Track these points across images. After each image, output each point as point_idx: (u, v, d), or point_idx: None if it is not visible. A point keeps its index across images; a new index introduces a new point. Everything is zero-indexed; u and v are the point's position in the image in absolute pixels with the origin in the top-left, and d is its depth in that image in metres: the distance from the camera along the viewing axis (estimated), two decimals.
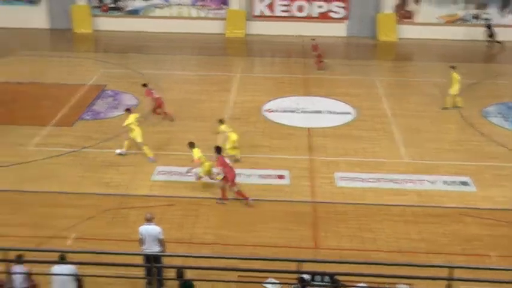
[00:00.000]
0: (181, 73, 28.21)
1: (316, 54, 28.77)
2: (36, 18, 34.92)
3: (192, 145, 17.89)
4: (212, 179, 17.68)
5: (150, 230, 13.40)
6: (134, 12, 35.37)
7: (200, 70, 28.78)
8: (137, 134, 19.70)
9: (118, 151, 19.83)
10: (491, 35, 33.25)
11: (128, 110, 20.45)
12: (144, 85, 23.01)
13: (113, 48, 31.77)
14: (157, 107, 22.62)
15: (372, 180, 18.48)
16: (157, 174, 18.69)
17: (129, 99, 24.48)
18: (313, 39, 29.63)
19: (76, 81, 26.39)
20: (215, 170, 17.42)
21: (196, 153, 17.70)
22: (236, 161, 19.19)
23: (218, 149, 17.34)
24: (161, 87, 25.80)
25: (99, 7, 35.27)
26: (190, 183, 18.07)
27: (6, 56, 29.87)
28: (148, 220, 13.51)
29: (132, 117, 19.89)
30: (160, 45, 32.42)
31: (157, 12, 35.34)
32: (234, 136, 19.61)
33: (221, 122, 20.18)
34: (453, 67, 23.91)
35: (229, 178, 17.07)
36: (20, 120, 22.23)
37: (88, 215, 16.43)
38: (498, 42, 33.13)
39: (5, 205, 16.88)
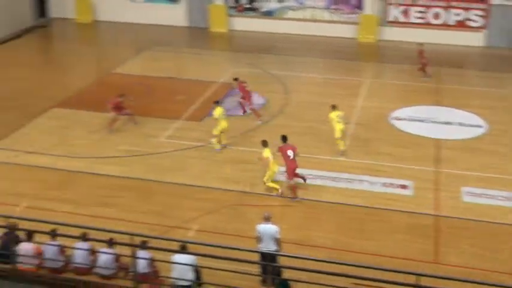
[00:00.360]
0: (309, 75, 28.23)
1: (422, 61, 27.80)
2: (176, 16, 36.29)
3: (265, 144, 18.01)
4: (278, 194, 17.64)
5: (267, 228, 13.52)
6: (268, 14, 35.85)
7: (329, 73, 28.65)
8: (220, 126, 20.19)
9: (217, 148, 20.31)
10: None
11: (216, 103, 20.94)
12: (235, 79, 23.40)
13: (245, 48, 32.38)
14: (247, 102, 22.84)
15: (500, 198, 17.57)
16: (279, 173, 18.74)
17: (256, 98, 24.82)
18: (421, 44, 28.63)
19: (208, 78, 27.16)
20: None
21: (267, 153, 17.73)
22: (343, 153, 19.70)
23: (284, 138, 18.00)
24: (289, 89, 26.02)
25: (235, 7, 36.08)
26: (310, 186, 18.06)
27: (145, 50, 31.30)
28: (267, 219, 13.64)
29: (218, 110, 20.30)
30: (292, 47, 32.63)
31: (291, 14, 35.59)
32: (340, 126, 19.86)
33: (333, 107, 20.42)
34: None
35: (288, 170, 17.43)
36: (154, 113, 23.19)
37: (210, 209, 16.86)
38: None
39: (136, 192, 17.70)
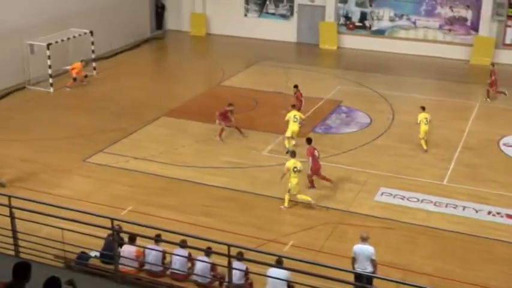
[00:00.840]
0: (418, 96, 27.54)
1: (489, 81, 26.67)
2: (286, 32, 36.64)
3: (292, 154, 18.06)
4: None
5: (363, 249, 13.27)
6: (379, 32, 35.43)
7: (438, 95, 27.86)
8: (290, 129, 21.05)
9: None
10: None
11: (293, 106, 22.10)
12: (295, 86, 23.93)
13: (353, 66, 32.15)
14: (299, 109, 22.93)
15: None
16: (381, 195, 18.49)
17: (362, 117, 24.56)
18: (493, 65, 27.64)
19: (314, 94, 27.14)
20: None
21: (290, 163, 17.58)
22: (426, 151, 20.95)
23: (309, 140, 18.94)
24: (396, 109, 25.55)
25: (345, 25, 35.95)
26: (412, 209, 17.61)
27: (254, 64, 31.76)
28: (364, 239, 13.38)
29: (291, 114, 20.88)
30: (401, 67, 32.05)
31: (402, 33, 35.01)
32: (425, 127, 21.14)
33: (423, 109, 21.72)
34: None
35: (313, 169, 18.40)
36: (258, 126, 23.45)
37: (308, 225, 16.78)
38: None
39: (236, 203, 17.92)
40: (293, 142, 21.24)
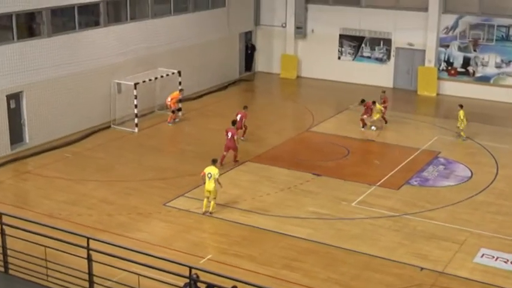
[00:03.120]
0: None
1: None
2: (382, 76, 36.45)
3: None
4: None
5: None
6: (484, 79, 34.63)
7: None
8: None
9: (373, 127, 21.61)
10: None
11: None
12: (384, 92, 28.56)
13: (454, 115, 31.39)
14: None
15: None
16: (482, 256, 17.79)
17: (462, 170, 23.90)
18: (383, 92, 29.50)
19: (410, 143, 26.72)
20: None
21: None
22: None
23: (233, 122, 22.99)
24: (500, 163, 24.76)
25: (447, 70, 35.38)
26: (507, 272, 16.85)
27: (347, 110, 31.64)
28: None
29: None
30: (507, 117, 31.08)
31: (510, 80, 34.07)
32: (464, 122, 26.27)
33: (461, 106, 26.56)
34: None
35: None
36: (348, 176, 23.24)
37: (399, 285, 16.32)
38: None
39: (321, 258, 17.69)
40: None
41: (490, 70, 34.42)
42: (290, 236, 18.83)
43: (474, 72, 34.81)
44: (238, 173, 23.58)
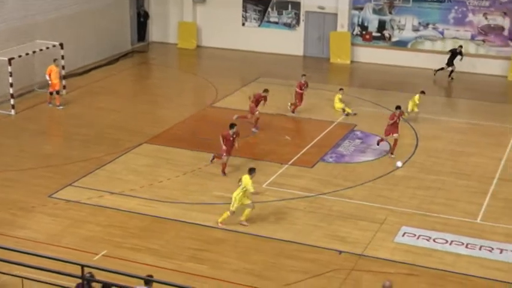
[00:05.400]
0: (447, 119, 27.71)
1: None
2: (291, 44, 36.95)
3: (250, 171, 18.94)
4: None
5: None
6: (401, 44, 35.74)
7: (471, 117, 27.99)
8: None
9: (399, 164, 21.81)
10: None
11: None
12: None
13: (370, 83, 32.37)
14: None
15: None
16: (403, 235, 18.51)
17: (381, 145, 24.65)
18: (304, 75, 28.64)
19: (323, 117, 27.30)
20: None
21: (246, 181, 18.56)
22: None
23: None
24: (420, 134, 25.71)
25: (361, 35, 36.24)
26: (440, 253, 17.60)
27: (252, 82, 31.92)
28: None
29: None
30: (427, 84, 32.20)
31: (428, 45, 35.31)
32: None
33: (422, 93, 27.07)
34: None
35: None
36: (258, 155, 23.54)
37: (316, 272, 16.74)
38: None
39: (230, 246, 17.90)
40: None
41: (407, 34, 35.54)
42: (195, 224, 18.93)
43: (390, 36, 35.85)
44: (134, 157, 23.41)
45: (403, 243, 18.14)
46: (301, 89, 27.57)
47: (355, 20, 36.13)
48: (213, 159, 22.47)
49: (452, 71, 32.97)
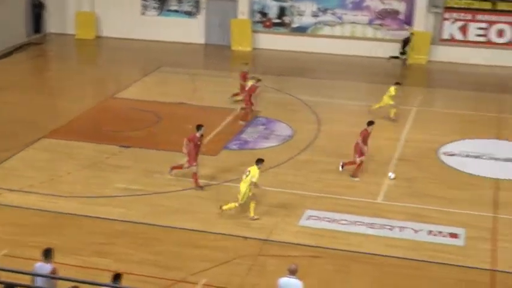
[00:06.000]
0: (347, 102, 28.30)
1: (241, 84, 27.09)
2: (192, 32, 36.85)
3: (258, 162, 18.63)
4: None
5: (291, 284, 13.39)
6: (301, 30, 36.19)
7: (371, 100, 28.59)
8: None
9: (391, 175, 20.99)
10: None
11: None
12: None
13: (272, 70, 32.61)
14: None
15: None
16: (307, 218, 18.80)
17: (282, 129, 24.94)
18: (246, 63, 28.24)
19: (226, 104, 27.36)
20: None
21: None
22: None
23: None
24: (321, 118, 26.09)
25: (261, 22, 36.48)
26: (344, 234, 17.98)
27: (154, 71, 31.73)
28: (292, 272, 13.52)
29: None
30: (327, 69, 32.79)
31: (327, 30, 35.90)
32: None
33: (398, 84, 25.92)
34: None
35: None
36: (160, 145, 23.41)
37: (223, 259, 16.79)
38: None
39: (135, 238, 17.73)
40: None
41: (307, 20, 36.00)
42: (98, 218, 18.64)
43: (290, 22, 36.23)
44: (32, 152, 22.82)
45: (308, 227, 18.42)
46: (244, 80, 27.00)
47: (255, 7, 36.31)
48: (172, 170, 21.02)
49: (395, 57, 33.85)
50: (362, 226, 18.42)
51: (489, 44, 34.17)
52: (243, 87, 26.57)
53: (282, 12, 36.24)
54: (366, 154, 21.20)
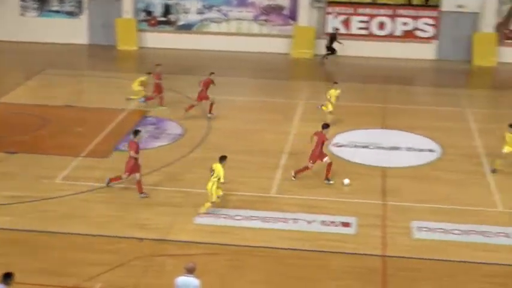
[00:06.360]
0: (236, 99, 28.51)
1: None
2: (76, 32, 36.14)
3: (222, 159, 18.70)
4: None
5: (188, 282, 13.38)
6: (187, 27, 36.16)
7: (259, 95, 29.03)
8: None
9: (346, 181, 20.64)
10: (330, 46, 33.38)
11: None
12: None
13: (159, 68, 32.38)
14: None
15: (457, 232, 18.04)
16: (202, 216, 18.80)
17: (173, 128, 24.85)
18: (158, 65, 27.84)
19: (114, 105, 27.01)
20: None
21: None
22: None
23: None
24: (213, 115, 26.19)
25: (146, 21, 36.19)
26: (239, 229, 18.12)
27: (37, 74, 30.93)
28: (189, 270, 13.52)
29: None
30: (215, 66, 32.77)
31: (214, 27, 36.04)
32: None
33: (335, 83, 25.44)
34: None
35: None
36: (48, 149, 22.87)
37: (118, 262, 16.59)
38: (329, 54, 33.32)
39: (23, 247, 17.21)
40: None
41: (193, 17, 36.00)
42: None
43: (176, 20, 36.13)
44: None
45: (203, 224, 18.42)
46: (159, 79, 27.00)
47: (140, 6, 36.01)
48: (109, 182, 20.22)
49: (329, 53, 33.97)
50: (256, 220, 18.60)
51: (371, 36, 35.16)
52: (157, 86, 26.93)
53: (167, 10, 36.10)
54: (326, 156, 20.91)
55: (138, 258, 16.82)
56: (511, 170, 21.77)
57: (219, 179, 18.47)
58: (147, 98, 27.10)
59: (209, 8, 35.81)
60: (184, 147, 23.25)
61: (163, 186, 20.50)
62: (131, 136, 20.13)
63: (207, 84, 25.91)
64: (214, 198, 18.53)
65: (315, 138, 20.75)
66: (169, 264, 16.53)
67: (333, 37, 33.88)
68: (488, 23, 33.98)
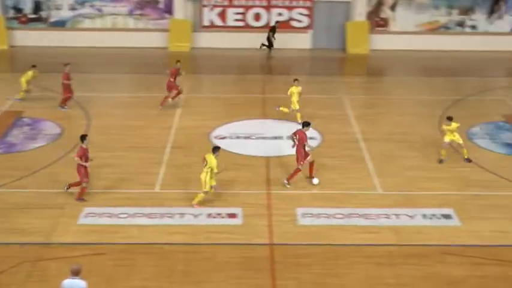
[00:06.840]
0: (114, 95, 28.15)
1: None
2: None
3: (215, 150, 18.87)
4: None
5: (74, 285, 13.24)
6: (59, 24, 35.35)
7: (138, 91, 28.78)
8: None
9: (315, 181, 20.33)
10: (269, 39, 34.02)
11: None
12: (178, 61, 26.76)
13: (30, 67, 31.46)
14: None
15: (339, 216, 18.59)
16: (85, 216, 18.52)
17: (50, 128, 24.28)
18: (67, 64, 26.51)
19: None
20: None
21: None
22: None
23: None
24: (90, 113, 25.74)
25: (16, 18, 35.08)
26: (124, 227, 17.93)
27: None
28: (75, 273, 13.33)
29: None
30: (91, 63, 32.35)
31: (87, 23, 35.41)
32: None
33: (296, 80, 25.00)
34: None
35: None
36: None
37: None
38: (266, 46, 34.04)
39: None
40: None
41: (65, 13, 35.21)
42: None
43: (48, 17, 35.21)
44: None
45: (87, 224, 18.18)
46: (68, 80, 25.93)
47: (9, 3, 34.85)
48: (69, 188, 19.52)
49: (265, 45, 33.91)
50: (142, 217, 18.48)
51: (248, 28, 35.47)
52: (66, 87, 26.01)
53: (37, 6, 35.15)
54: (309, 154, 20.42)
55: (20, 264, 16.38)
56: (387, 155, 22.65)
57: (212, 169, 18.55)
58: (62, 101, 26.18)
59: (82, 3, 35.12)
60: (63, 147, 22.75)
61: (43, 188, 20.01)
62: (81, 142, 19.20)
63: (174, 73, 26.05)
64: (207, 188, 18.64)
65: (297, 137, 20.25)
66: (53, 268, 16.22)
67: (273, 30, 33.97)
68: (360, 12, 35.01)
